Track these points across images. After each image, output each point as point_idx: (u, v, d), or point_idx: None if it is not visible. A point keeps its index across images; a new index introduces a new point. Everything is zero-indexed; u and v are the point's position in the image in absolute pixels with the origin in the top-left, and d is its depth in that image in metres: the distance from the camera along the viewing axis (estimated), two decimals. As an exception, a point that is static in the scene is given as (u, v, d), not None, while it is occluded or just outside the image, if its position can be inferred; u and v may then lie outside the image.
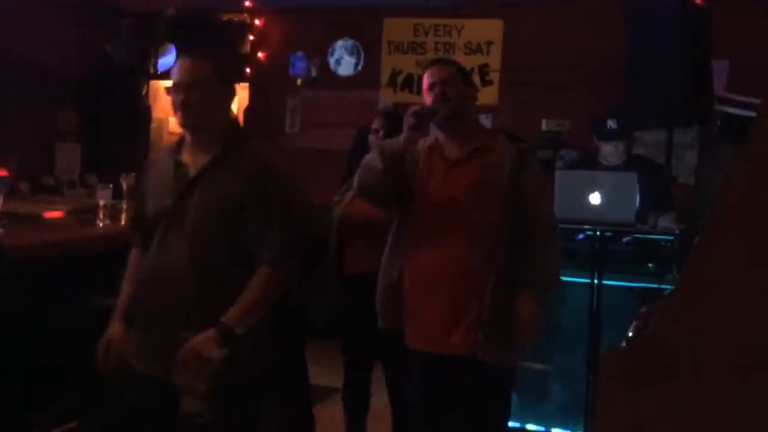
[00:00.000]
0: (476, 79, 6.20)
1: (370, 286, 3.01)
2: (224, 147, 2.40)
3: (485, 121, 6.13)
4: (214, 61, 2.42)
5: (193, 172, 2.39)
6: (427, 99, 2.83)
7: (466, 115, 2.88)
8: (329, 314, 3.60)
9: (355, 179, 2.87)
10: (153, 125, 7.47)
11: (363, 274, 3.31)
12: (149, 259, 2.39)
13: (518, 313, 2.69)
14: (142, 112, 7.22)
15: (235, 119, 2.63)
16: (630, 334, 2.10)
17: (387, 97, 6.55)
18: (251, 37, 6.98)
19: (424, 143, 2.90)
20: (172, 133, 7.90)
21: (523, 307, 2.70)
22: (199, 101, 2.38)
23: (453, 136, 2.85)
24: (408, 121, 2.71)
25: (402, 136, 2.75)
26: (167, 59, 6.89)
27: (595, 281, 3.98)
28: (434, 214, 2.79)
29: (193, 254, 2.30)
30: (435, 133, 2.91)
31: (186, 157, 2.44)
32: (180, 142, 2.50)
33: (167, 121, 7.85)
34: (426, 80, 2.87)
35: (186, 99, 2.37)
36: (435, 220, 2.78)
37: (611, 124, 4.57)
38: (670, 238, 3.97)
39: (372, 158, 2.80)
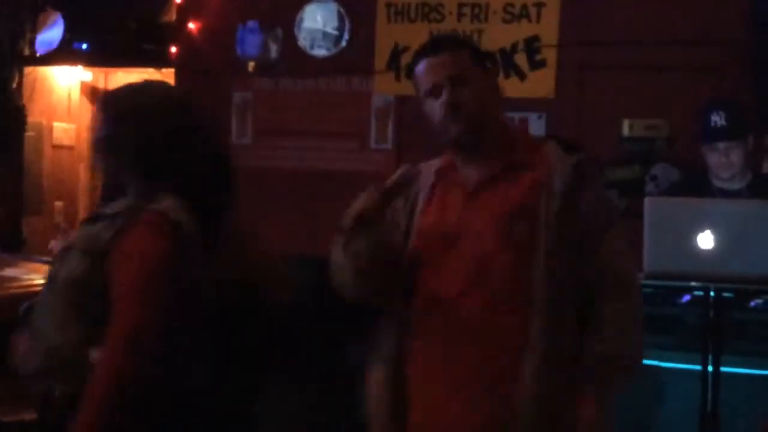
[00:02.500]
0: (522, 58, 6.21)
1: None
2: None
3: (538, 122, 6.13)
4: None
5: None
6: (432, 109, 2.79)
7: (494, 117, 2.86)
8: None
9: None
10: (29, 134, 7.47)
11: None
12: None
13: (575, 417, 2.69)
14: (12, 114, 7.22)
15: None
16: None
17: (385, 88, 6.55)
18: (177, 0, 7.02)
19: (428, 169, 2.92)
20: (58, 146, 7.91)
21: (583, 409, 2.70)
22: None
23: (473, 153, 2.85)
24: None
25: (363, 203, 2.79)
26: (50, 35, 6.91)
27: (710, 367, 3.94)
28: (446, 266, 2.78)
29: None
30: (446, 154, 2.90)
31: None
32: None
33: (50, 129, 7.85)
34: (424, 80, 2.82)
35: None
36: (447, 276, 2.77)
37: (716, 119, 4.57)
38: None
39: (335, 255, 2.86)
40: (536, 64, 6.29)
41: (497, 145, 2.84)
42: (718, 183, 4.64)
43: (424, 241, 2.83)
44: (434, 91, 2.77)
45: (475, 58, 2.86)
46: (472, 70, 2.81)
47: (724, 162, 4.58)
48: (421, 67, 2.83)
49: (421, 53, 2.87)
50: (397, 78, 6.55)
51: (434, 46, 2.91)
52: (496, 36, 6.26)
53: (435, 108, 2.77)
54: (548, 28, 6.31)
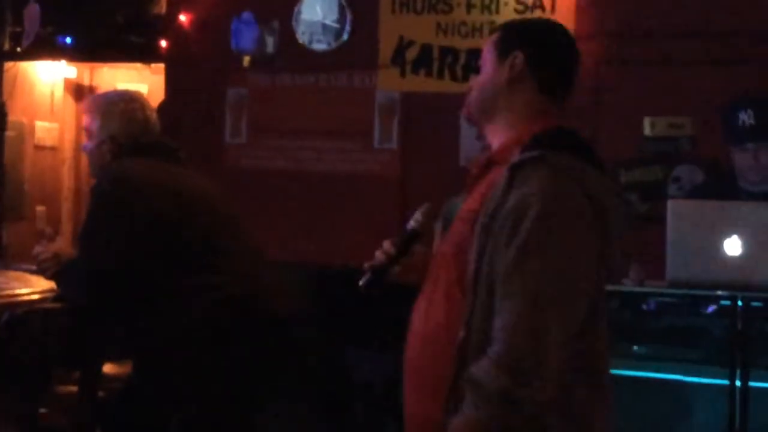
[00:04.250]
0: (535, 53, 6.20)
1: None
2: None
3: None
4: None
5: None
6: None
7: (499, 106, 2.82)
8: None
9: None
10: (9, 134, 7.45)
11: None
12: None
13: None
14: (-9, 112, 7.22)
15: None
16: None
17: (390, 84, 6.54)
18: (168, -10, 7.02)
19: None
20: (40, 147, 7.90)
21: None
22: None
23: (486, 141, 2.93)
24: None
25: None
26: (32, 26, 6.90)
27: (737, 382, 3.94)
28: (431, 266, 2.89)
29: None
30: None
31: None
32: None
33: (32, 128, 7.84)
34: None
35: None
36: (428, 275, 2.88)
37: (744, 118, 4.57)
38: None
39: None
40: (551, 59, 6.27)
41: (498, 139, 2.83)
42: (745, 185, 4.62)
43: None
44: None
45: (500, 43, 2.85)
46: (490, 56, 2.84)
47: (753, 164, 4.57)
48: None
49: None
50: (402, 73, 6.51)
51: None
52: (508, 28, 6.25)
53: None
54: (563, 21, 6.24)
